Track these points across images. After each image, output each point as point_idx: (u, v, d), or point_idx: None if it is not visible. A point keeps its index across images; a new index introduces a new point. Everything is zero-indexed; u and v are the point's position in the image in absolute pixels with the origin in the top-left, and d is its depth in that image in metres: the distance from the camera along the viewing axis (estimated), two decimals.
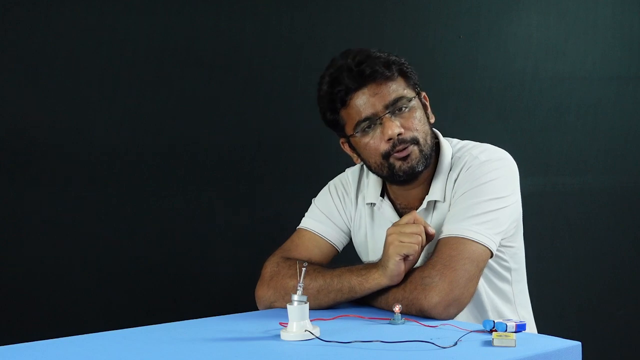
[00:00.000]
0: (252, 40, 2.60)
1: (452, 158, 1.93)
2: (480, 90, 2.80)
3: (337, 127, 1.93)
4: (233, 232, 2.62)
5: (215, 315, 1.76)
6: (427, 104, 1.95)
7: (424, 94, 1.95)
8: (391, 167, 1.86)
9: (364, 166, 2.08)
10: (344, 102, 1.86)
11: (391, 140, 1.83)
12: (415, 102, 1.88)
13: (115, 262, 2.49)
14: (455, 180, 1.89)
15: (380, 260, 1.75)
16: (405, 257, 1.70)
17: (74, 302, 2.44)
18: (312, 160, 2.66)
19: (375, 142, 1.86)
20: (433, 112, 1.95)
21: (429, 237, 1.74)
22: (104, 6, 2.46)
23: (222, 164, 2.60)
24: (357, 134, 1.87)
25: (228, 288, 2.61)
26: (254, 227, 2.63)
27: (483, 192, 1.81)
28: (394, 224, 1.75)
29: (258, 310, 1.87)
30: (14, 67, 2.39)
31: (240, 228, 2.62)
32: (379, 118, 1.83)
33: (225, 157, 2.60)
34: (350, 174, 2.09)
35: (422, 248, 1.73)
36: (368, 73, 1.83)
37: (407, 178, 1.88)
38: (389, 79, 1.84)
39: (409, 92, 1.87)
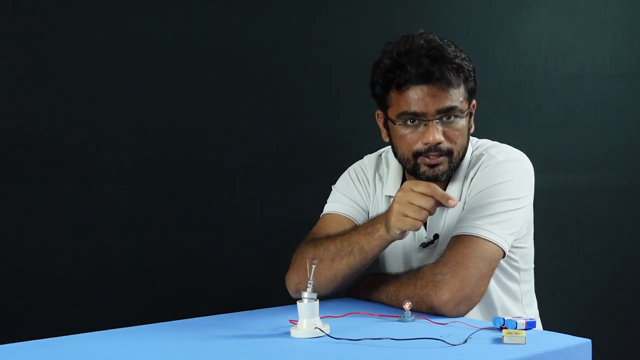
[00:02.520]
0: (263, 38, 2.61)
1: (470, 156, 1.94)
2: (490, 88, 2.80)
3: (381, 102, 1.90)
4: (244, 231, 2.62)
5: (225, 313, 1.77)
6: (473, 113, 1.93)
7: (474, 102, 1.92)
8: (416, 167, 1.86)
9: (382, 155, 2.08)
10: (400, 87, 1.81)
11: (427, 145, 1.83)
12: (466, 114, 1.86)
13: (125, 260, 2.50)
14: (472, 179, 1.89)
15: (386, 214, 1.72)
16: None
17: (83, 300, 2.45)
18: (323, 160, 2.66)
19: (413, 138, 1.84)
20: None
21: (447, 206, 1.65)
22: (113, 4, 2.46)
23: (232, 163, 2.60)
24: (398, 123, 1.85)
25: (238, 286, 2.61)
26: (264, 226, 2.63)
27: (498, 192, 1.81)
28: (406, 189, 1.67)
29: (268, 307, 1.87)
30: (23, 65, 2.39)
31: (251, 227, 2.63)
32: (426, 120, 1.82)
33: (236, 155, 2.60)
34: (367, 161, 2.09)
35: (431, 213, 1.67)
36: (436, 77, 1.78)
37: (426, 180, 1.87)
38: (452, 86, 1.80)
39: (464, 104, 1.84)
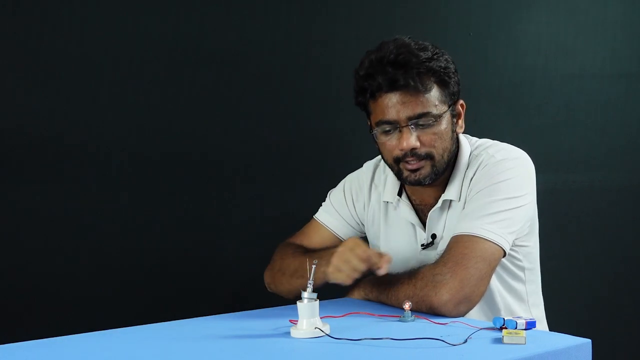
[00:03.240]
0: (263, 38, 2.61)
1: (469, 156, 1.93)
2: (490, 88, 2.80)
3: (365, 110, 1.92)
4: (243, 231, 2.62)
5: (225, 313, 1.77)
6: (462, 112, 1.93)
7: (461, 102, 1.92)
8: (400, 172, 1.88)
9: (382, 161, 2.09)
10: (374, 96, 1.84)
11: (403, 151, 1.83)
12: (444, 117, 1.85)
13: (125, 260, 2.50)
14: (472, 179, 1.89)
15: (330, 256, 1.76)
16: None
17: (83, 300, 2.45)
18: (323, 160, 2.66)
19: (391, 145, 1.86)
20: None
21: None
22: (113, 4, 2.46)
23: (233, 162, 2.60)
24: (376, 132, 1.87)
25: (238, 286, 2.61)
26: (264, 226, 2.63)
27: (498, 191, 1.81)
28: (347, 247, 1.74)
29: (268, 307, 1.88)
30: (23, 65, 2.39)
31: (251, 227, 2.63)
32: (400, 126, 1.83)
33: (235, 156, 2.60)
34: (365, 169, 2.12)
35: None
36: (401, 84, 1.79)
37: (412, 185, 1.91)
38: (420, 91, 1.80)
39: (439, 108, 1.83)
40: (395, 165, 1.88)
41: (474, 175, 1.89)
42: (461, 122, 1.93)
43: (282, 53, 2.64)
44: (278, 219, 2.63)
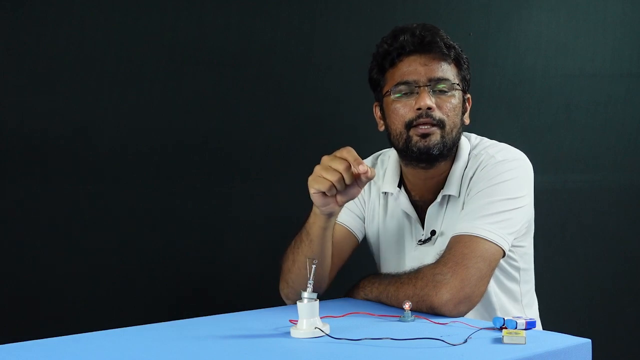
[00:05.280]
0: (262, 37, 2.61)
1: (469, 154, 1.94)
2: (490, 88, 2.80)
3: (377, 88, 1.96)
4: (244, 231, 2.62)
5: (225, 313, 1.76)
6: (468, 107, 1.97)
7: (469, 96, 1.96)
8: (409, 139, 1.87)
9: (379, 158, 2.09)
10: (394, 62, 1.88)
11: (420, 111, 1.84)
12: (457, 93, 1.89)
13: (124, 260, 2.50)
14: (471, 178, 1.89)
15: None
16: (323, 192, 1.68)
17: (83, 300, 2.44)
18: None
19: (405, 109, 1.87)
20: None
21: (360, 176, 1.65)
22: (113, 4, 2.46)
23: (233, 162, 2.60)
24: (391, 94, 1.89)
25: (238, 286, 2.61)
26: (264, 226, 2.63)
27: (498, 192, 1.81)
28: (330, 155, 1.70)
29: (267, 307, 1.88)
30: (23, 65, 2.39)
31: (251, 227, 2.63)
32: (418, 87, 1.85)
33: (236, 155, 2.60)
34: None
35: (349, 182, 1.66)
36: (427, 40, 1.85)
37: (420, 156, 1.88)
38: (444, 58, 1.87)
39: (455, 80, 1.89)
40: (405, 131, 1.87)
41: (473, 174, 1.89)
42: (467, 115, 1.96)
43: (283, 53, 2.64)
44: (278, 219, 2.63)
